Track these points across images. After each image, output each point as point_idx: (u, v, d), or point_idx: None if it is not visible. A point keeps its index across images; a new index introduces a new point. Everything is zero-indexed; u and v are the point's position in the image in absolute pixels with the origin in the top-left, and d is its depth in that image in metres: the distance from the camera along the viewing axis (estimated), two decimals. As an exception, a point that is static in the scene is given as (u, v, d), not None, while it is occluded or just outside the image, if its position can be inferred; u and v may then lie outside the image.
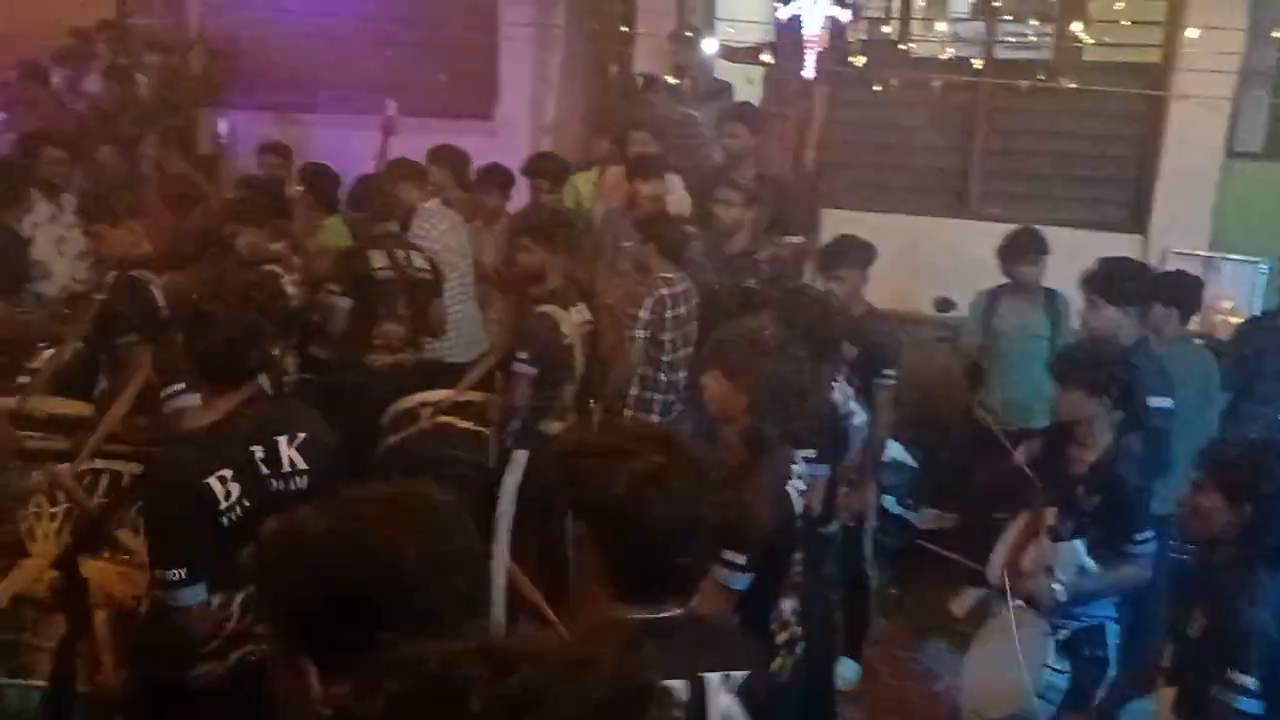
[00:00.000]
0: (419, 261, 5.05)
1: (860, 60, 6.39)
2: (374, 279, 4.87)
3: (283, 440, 2.60)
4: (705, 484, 1.78)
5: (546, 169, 5.91)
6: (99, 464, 3.33)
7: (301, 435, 2.64)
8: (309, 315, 4.96)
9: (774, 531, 2.71)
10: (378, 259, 4.91)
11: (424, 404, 4.39)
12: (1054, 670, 3.35)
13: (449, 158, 6.01)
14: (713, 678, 1.74)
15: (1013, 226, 5.26)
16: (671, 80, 6.63)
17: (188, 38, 7.94)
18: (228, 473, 2.49)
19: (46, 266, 5.22)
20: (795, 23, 6.22)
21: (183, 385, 3.27)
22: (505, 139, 6.98)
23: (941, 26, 6.91)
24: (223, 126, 7.76)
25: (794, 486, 2.80)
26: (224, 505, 2.47)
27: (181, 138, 6.74)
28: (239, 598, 2.53)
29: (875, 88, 6.52)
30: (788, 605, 2.84)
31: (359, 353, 4.88)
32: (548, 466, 4.20)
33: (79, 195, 4.83)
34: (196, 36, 7.94)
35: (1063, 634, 3.43)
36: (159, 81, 7.40)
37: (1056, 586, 3.36)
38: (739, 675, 1.76)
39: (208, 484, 2.45)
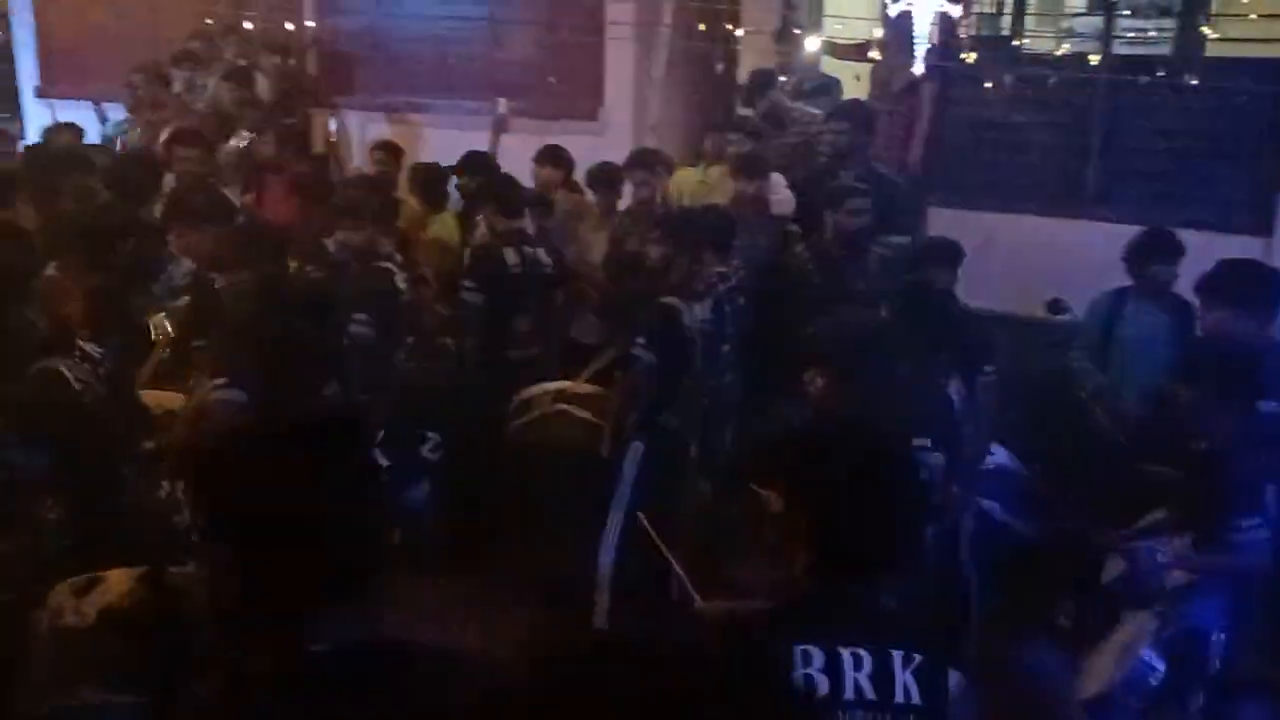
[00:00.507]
0: (544, 257, 5.25)
1: (971, 57, 6.26)
2: (509, 276, 5.06)
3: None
4: (910, 479, 2.01)
5: (647, 163, 5.92)
6: None
7: (380, 434, 2.65)
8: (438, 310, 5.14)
9: None
10: (511, 256, 5.09)
11: (545, 392, 4.48)
12: (1146, 665, 3.30)
13: (556, 158, 6.09)
14: (896, 655, 1.88)
15: (1129, 227, 5.09)
16: (780, 78, 6.60)
17: (303, 39, 8.18)
18: None
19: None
20: (905, 19, 6.13)
21: (225, 379, 3.30)
22: (610, 139, 7.03)
23: (1057, 22, 6.72)
24: (332, 126, 7.97)
25: None
26: None
27: (298, 137, 6.94)
28: None
29: (987, 85, 6.37)
30: (891, 601, 2.79)
31: (496, 347, 5.07)
32: (665, 459, 4.30)
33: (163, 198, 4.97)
34: (312, 38, 8.18)
35: (1165, 633, 3.36)
36: (276, 82, 7.64)
37: (1158, 551, 3.31)
38: (918, 658, 1.89)
39: None
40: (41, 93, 9.12)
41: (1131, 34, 6.86)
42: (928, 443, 3.17)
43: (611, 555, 4.17)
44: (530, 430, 4.42)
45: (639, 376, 4.21)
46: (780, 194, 5.88)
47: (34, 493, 3.04)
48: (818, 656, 1.84)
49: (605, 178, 5.96)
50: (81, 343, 3.29)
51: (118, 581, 2.59)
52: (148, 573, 2.59)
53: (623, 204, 6.03)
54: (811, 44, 6.67)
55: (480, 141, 6.63)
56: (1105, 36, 6.66)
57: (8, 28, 9.90)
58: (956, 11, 6.19)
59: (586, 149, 6.32)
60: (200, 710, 1.66)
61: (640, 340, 4.20)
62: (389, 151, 6.70)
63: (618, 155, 6.24)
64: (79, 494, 3.13)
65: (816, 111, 6.40)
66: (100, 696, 2.46)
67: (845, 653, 1.85)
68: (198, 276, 4.31)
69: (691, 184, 6.28)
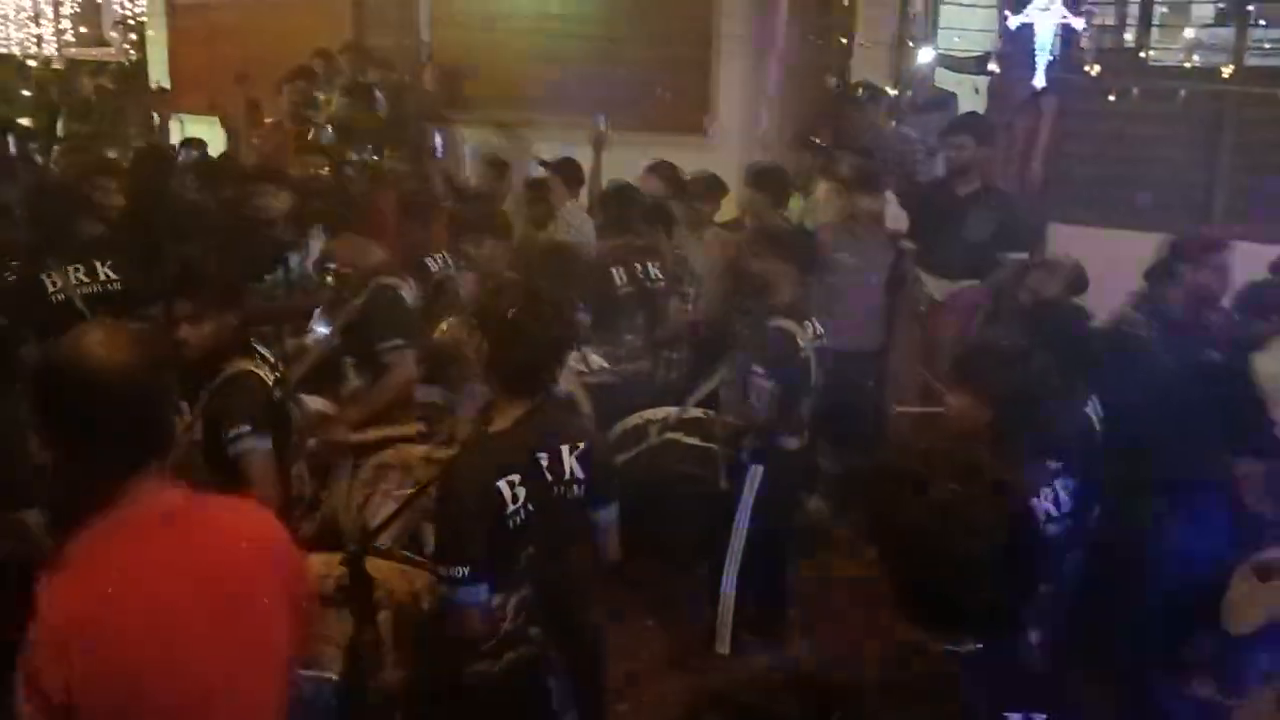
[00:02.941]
0: (654, 272, 5.24)
1: (1095, 69, 6.08)
2: (615, 297, 5.09)
3: (565, 449, 2.67)
4: (1005, 516, 1.72)
5: (769, 183, 5.85)
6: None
7: (581, 445, 2.70)
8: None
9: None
10: (619, 275, 5.11)
11: (650, 421, 4.40)
12: None
13: (663, 171, 6.11)
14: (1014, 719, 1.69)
15: (1260, 245, 4.88)
16: (891, 91, 6.51)
17: (420, 56, 8.37)
18: (516, 477, 2.55)
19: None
20: (1025, 31, 6.00)
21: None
22: (718, 151, 7.02)
23: (1186, 33, 6.50)
24: (438, 141, 8.09)
25: (1042, 505, 2.64)
26: (510, 509, 2.53)
27: (416, 151, 7.08)
28: (514, 599, 2.61)
29: (1111, 98, 6.19)
30: (1034, 636, 2.69)
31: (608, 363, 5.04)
32: (784, 482, 4.23)
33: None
34: (429, 55, 8.36)
35: None
36: (393, 98, 7.83)
37: None
38: (1039, 718, 1.70)
39: (498, 486, 2.52)
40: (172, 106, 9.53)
41: (1265, 45, 6.59)
42: (1060, 464, 3.04)
43: (734, 581, 4.11)
44: (640, 462, 4.33)
45: (760, 405, 4.09)
46: (891, 210, 5.80)
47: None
48: None
49: (704, 187, 5.93)
50: (256, 345, 3.42)
51: (320, 564, 2.73)
52: (348, 557, 2.70)
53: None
54: (927, 56, 6.56)
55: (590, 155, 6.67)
56: (1236, 48, 6.42)
57: (142, 47, 10.42)
58: (1079, 24, 6.02)
59: (695, 161, 6.31)
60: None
61: (759, 370, 4.11)
62: (496, 167, 6.79)
63: (726, 167, 6.22)
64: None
65: (910, 131, 6.31)
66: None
67: None
68: (375, 285, 4.32)
69: (792, 201, 6.21)
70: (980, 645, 1.71)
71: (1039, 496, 2.66)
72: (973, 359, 2.90)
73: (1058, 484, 2.76)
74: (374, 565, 2.76)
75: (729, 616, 4.12)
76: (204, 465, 3.19)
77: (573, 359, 3.89)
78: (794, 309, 4.27)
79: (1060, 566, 2.81)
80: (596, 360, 3.99)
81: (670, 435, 4.33)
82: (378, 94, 7.73)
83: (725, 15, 7.19)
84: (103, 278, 4.70)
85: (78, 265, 4.66)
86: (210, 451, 3.19)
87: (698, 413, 4.40)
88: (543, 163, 6.40)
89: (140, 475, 1.78)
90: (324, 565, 2.72)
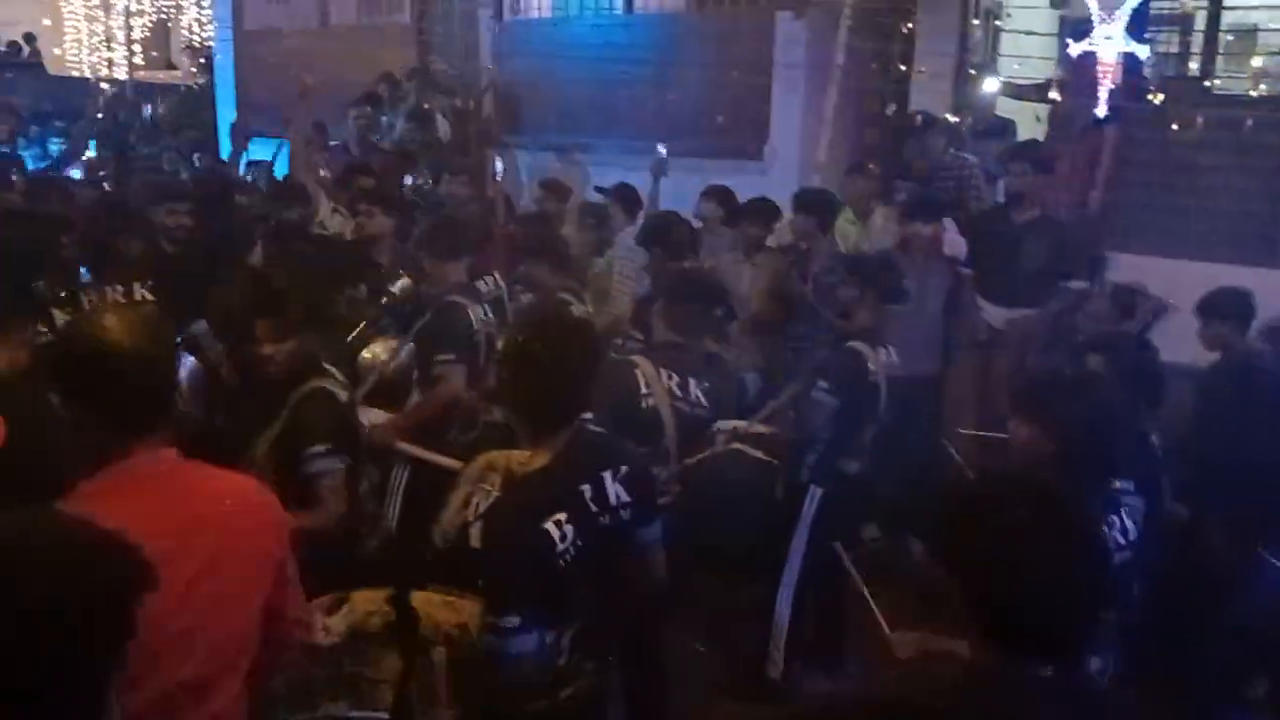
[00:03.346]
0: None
1: (1159, 98, 6.03)
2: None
3: (607, 475, 2.62)
4: (1079, 542, 1.74)
5: (816, 207, 5.87)
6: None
7: (624, 469, 2.65)
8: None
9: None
10: None
11: (719, 430, 4.45)
12: None
13: (720, 196, 6.15)
14: None
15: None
16: (951, 118, 6.50)
17: (481, 83, 8.52)
18: (562, 515, 2.50)
19: None
20: (1088, 59, 5.97)
21: None
22: (775, 177, 7.05)
23: (1252, 61, 6.43)
24: (498, 166, 8.21)
25: (1112, 533, 2.63)
26: (560, 548, 2.48)
27: (473, 176, 7.20)
28: (569, 635, 2.55)
29: (1174, 127, 6.13)
30: (1095, 662, 2.67)
31: None
32: (842, 505, 4.22)
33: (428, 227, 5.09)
34: (489, 82, 8.51)
35: None
36: (454, 123, 7.98)
37: None
38: None
39: (545, 529, 2.47)
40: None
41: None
42: (1130, 485, 3.03)
43: (789, 604, 4.10)
44: (703, 468, 4.37)
45: (818, 416, 4.12)
46: (951, 237, 5.78)
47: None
48: None
49: (758, 211, 5.96)
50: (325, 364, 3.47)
51: (366, 601, 2.72)
52: (394, 595, 2.71)
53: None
54: (989, 84, 6.55)
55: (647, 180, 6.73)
56: (1304, 77, 6.34)
57: (210, 71, 10.72)
58: (1143, 52, 5.97)
59: (753, 187, 6.34)
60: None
61: (823, 385, 4.12)
62: (556, 191, 6.87)
63: (782, 194, 6.24)
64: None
65: (969, 156, 6.28)
66: (342, 711, 2.56)
67: None
68: (445, 301, 4.37)
69: (846, 226, 6.22)
70: (1054, 669, 1.71)
71: (1107, 525, 2.64)
72: (1038, 389, 2.89)
73: (1124, 513, 2.75)
74: (419, 600, 2.72)
75: (782, 640, 4.11)
76: (275, 477, 3.23)
77: (672, 381, 3.91)
78: (869, 333, 4.29)
79: (1126, 595, 2.79)
80: (696, 393, 4.00)
81: (736, 445, 4.35)
82: (440, 119, 7.88)
83: (784, 43, 7.23)
84: (138, 298, 4.77)
85: (115, 286, 4.78)
86: (283, 465, 3.24)
87: (764, 428, 4.42)
88: (600, 189, 6.46)
89: (141, 439, 2.00)
90: (370, 603, 2.70)
